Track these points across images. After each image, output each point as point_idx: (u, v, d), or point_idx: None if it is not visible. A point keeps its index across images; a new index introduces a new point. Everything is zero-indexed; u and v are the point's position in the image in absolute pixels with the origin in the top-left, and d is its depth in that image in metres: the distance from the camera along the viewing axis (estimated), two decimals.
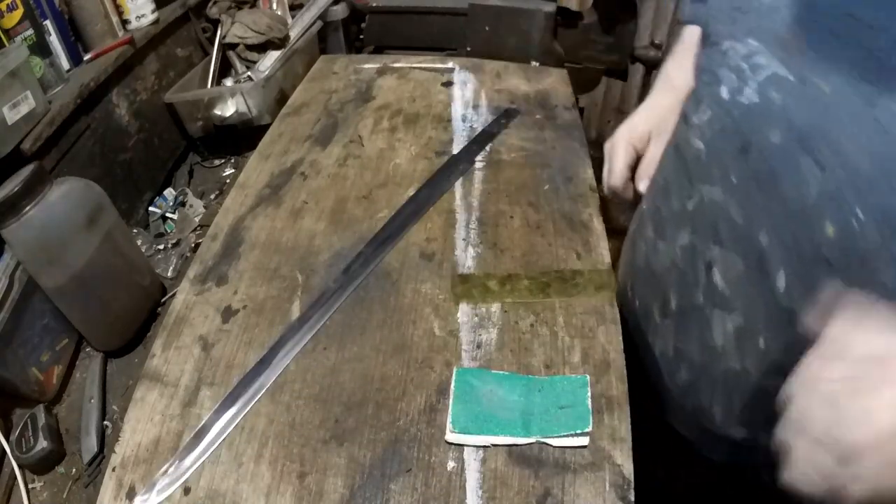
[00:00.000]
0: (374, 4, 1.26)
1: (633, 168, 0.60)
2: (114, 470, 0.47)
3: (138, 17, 0.94)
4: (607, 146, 0.61)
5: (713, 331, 0.44)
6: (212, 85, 1.09)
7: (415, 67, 1.01)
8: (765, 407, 0.34)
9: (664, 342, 0.53)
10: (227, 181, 1.01)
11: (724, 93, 0.40)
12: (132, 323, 0.71)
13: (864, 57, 0.31)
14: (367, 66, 1.03)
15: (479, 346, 0.54)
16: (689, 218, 0.46)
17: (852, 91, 0.31)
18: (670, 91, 0.58)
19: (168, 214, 0.93)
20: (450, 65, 1.01)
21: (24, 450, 0.57)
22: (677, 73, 0.58)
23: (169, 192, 0.98)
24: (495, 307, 0.57)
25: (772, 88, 0.36)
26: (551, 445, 0.46)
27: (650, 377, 0.56)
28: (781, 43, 0.36)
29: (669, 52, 0.61)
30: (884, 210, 0.30)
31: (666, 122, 0.55)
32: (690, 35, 0.57)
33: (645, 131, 0.59)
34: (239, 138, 1.04)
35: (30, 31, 0.74)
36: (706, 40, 0.47)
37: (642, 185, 0.58)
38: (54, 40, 0.79)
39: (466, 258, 0.63)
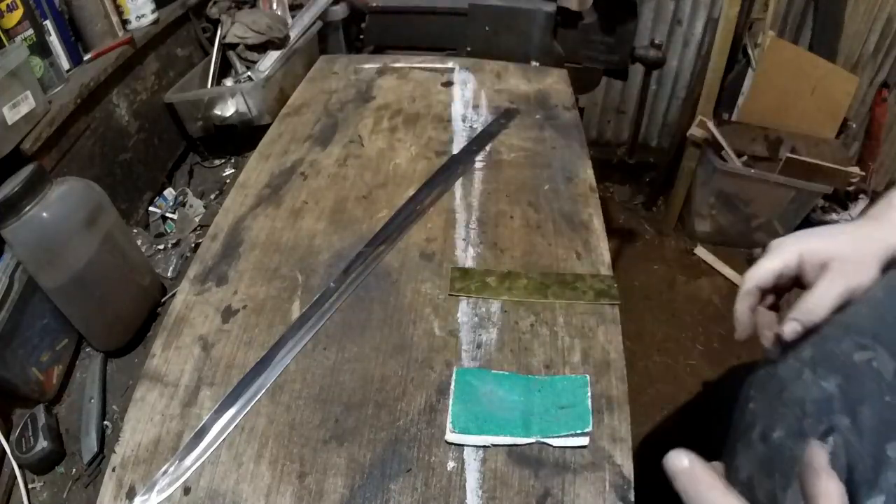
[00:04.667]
0: (374, 4, 1.26)
1: (783, 290, 0.46)
2: (114, 470, 0.47)
3: (138, 17, 0.94)
4: (775, 240, 0.46)
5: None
6: (212, 85, 1.09)
7: (415, 67, 1.01)
8: None
9: (747, 467, 0.42)
10: (227, 181, 1.01)
11: None
12: (132, 323, 0.71)
13: None
14: (367, 66, 1.03)
15: (479, 346, 0.54)
16: (846, 367, 0.37)
17: None
18: (884, 222, 0.43)
19: (168, 214, 0.93)
20: (450, 65, 1.01)
21: (24, 450, 0.57)
22: None
23: (169, 192, 0.98)
24: (495, 307, 0.57)
25: None
26: (551, 445, 0.46)
27: None
28: None
29: None
30: None
31: (857, 262, 0.42)
32: None
33: (825, 256, 0.42)
34: (239, 138, 1.04)
35: (30, 31, 0.74)
36: None
37: (788, 328, 0.42)
38: (54, 40, 0.79)
39: (466, 258, 0.63)
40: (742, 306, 0.46)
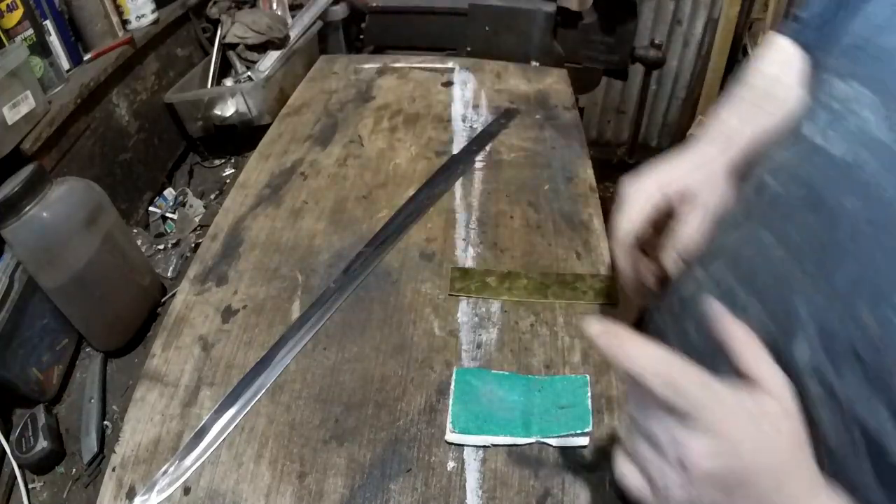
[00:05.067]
0: (374, 4, 1.26)
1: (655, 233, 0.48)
2: (114, 470, 0.47)
3: (138, 17, 0.94)
4: (627, 186, 0.48)
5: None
6: (212, 85, 1.09)
7: (415, 67, 1.01)
8: None
9: None
10: (227, 181, 1.01)
11: (811, 131, 0.36)
12: (132, 323, 0.71)
13: None
14: (367, 66, 1.03)
15: (479, 346, 0.54)
16: (731, 253, 0.40)
17: None
18: (725, 145, 0.47)
19: (168, 214, 0.93)
20: (450, 65, 1.01)
21: (24, 450, 0.57)
22: (732, 122, 0.47)
23: (169, 192, 0.98)
24: (495, 307, 0.57)
25: (865, 147, 0.31)
26: (551, 445, 0.46)
27: None
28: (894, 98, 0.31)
29: (728, 95, 0.49)
30: None
31: (714, 185, 0.45)
32: (760, 77, 0.48)
33: (686, 186, 0.46)
34: (239, 138, 1.04)
35: (30, 31, 0.74)
36: (816, 67, 0.42)
37: (670, 262, 0.46)
38: (54, 40, 0.79)
39: (466, 258, 0.63)
40: (625, 261, 0.48)
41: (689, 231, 0.45)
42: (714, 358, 0.32)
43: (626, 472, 0.32)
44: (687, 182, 0.46)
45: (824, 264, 0.32)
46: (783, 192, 0.37)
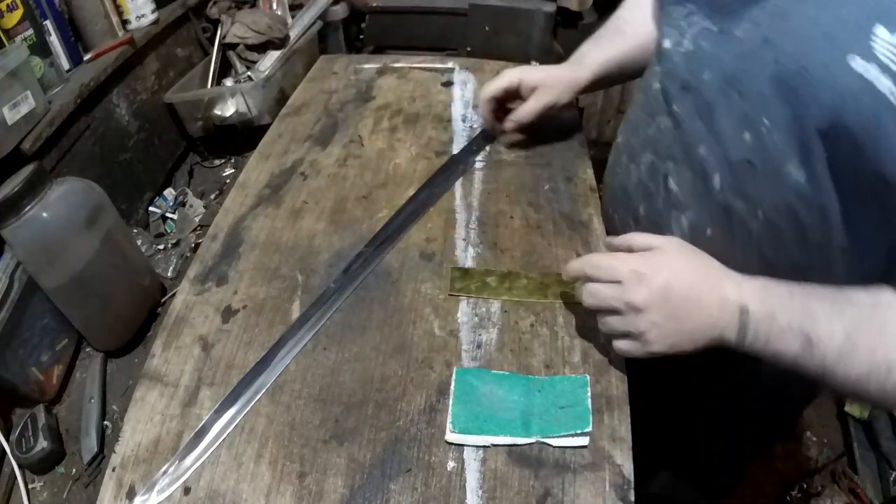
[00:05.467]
0: (374, 4, 1.27)
1: (506, 105, 0.73)
2: (114, 470, 0.47)
3: (138, 17, 0.94)
4: (504, 71, 0.71)
5: (672, 228, 0.55)
6: (212, 85, 1.09)
7: (415, 67, 1.01)
8: None
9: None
10: (227, 181, 1.01)
11: (668, 44, 0.53)
12: (132, 323, 0.71)
13: (768, 14, 0.43)
14: (367, 66, 1.03)
15: (479, 346, 0.54)
16: (650, 143, 0.56)
17: (759, 38, 0.42)
18: (577, 67, 0.69)
19: (168, 214, 0.93)
20: (450, 65, 1.01)
21: (24, 450, 0.57)
22: (589, 54, 0.69)
23: (169, 192, 0.98)
24: (495, 307, 0.57)
25: (702, 39, 0.48)
26: (551, 445, 0.46)
27: None
28: (711, 5, 0.48)
29: (594, 34, 0.71)
30: (782, 118, 0.41)
31: (555, 89, 0.68)
32: (616, 20, 0.69)
33: (535, 82, 0.68)
34: (239, 138, 1.04)
35: (30, 31, 0.74)
36: (661, 6, 0.59)
37: (507, 125, 0.72)
38: (54, 40, 0.80)
39: (466, 258, 0.63)
40: (484, 110, 0.74)
41: (524, 109, 0.70)
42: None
43: (618, 343, 0.47)
44: (537, 80, 0.68)
45: (707, 121, 0.48)
46: (664, 88, 0.53)
